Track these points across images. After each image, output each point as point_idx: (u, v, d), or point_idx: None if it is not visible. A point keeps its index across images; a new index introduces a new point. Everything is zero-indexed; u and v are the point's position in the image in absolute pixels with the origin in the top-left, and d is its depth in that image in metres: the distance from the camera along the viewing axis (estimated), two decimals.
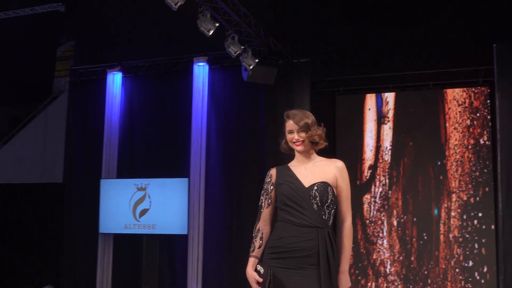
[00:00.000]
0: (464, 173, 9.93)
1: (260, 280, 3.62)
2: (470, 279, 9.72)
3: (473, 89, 10.02)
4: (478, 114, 9.95)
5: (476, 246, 9.76)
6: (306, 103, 9.64)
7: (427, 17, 9.77)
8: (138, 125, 10.34)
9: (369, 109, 10.49)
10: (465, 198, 9.88)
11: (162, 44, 10.19)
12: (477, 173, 9.87)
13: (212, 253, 9.69)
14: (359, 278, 10.19)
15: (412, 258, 10.02)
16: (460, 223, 9.86)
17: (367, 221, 10.29)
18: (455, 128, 10.04)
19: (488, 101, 9.87)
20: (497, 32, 9.15)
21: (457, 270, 9.79)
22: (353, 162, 10.39)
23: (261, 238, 3.75)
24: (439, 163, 10.06)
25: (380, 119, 10.42)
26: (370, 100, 10.50)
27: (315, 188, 3.66)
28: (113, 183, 9.90)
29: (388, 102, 10.42)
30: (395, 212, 10.20)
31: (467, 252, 9.78)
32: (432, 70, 10.05)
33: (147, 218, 9.53)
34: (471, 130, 9.97)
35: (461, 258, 9.80)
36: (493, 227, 9.65)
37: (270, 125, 9.75)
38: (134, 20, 10.38)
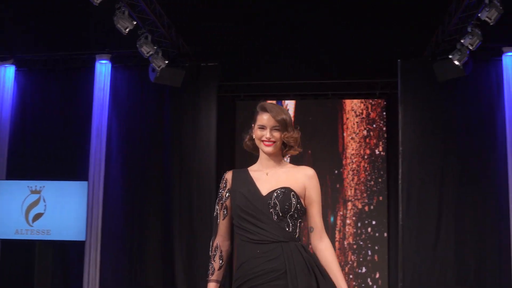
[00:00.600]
0: (359, 182, 10.24)
1: None
2: (363, 285, 10.04)
3: (371, 101, 10.36)
4: (374, 125, 10.30)
5: (370, 253, 10.10)
6: (212, 108, 9.51)
7: (329, 28, 9.94)
8: (31, 123, 9.67)
9: None
10: (360, 206, 10.20)
11: (61, 38, 9.58)
12: (372, 182, 10.22)
13: (111, 260, 9.28)
14: None
15: None
16: (354, 230, 10.16)
17: None
18: (352, 138, 10.32)
19: (384, 113, 10.26)
20: (399, 48, 9.50)
21: (351, 276, 10.07)
22: None
23: (221, 257, 3.15)
24: (336, 171, 10.30)
25: None
26: None
27: (274, 195, 3.07)
28: (2, 184, 9.18)
29: (288, 110, 10.52)
30: None
31: (361, 259, 10.10)
32: (332, 80, 10.26)
33: (40, 223, 8.94)
34: (367, 140, 10.29)
35: (355, 264, 10.10)
36: (385, 234, 10.04)
37: (175, 128, 9.52)
38: (28, 11, 9.66)
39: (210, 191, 9.34)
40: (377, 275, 10.04)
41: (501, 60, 9.03)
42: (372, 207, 10.17)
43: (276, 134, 3.14)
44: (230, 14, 9.76)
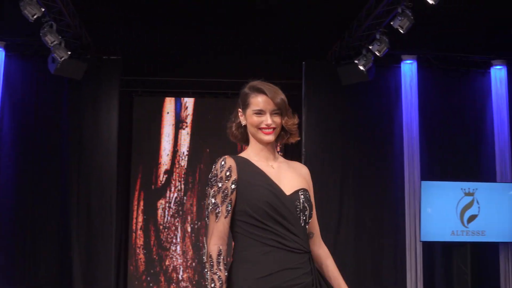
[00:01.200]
0: None
1: None
2: None
3: None
4: None
5: None
6: (114, 103, 9.16)
7: (234, 27, 9.90)
8: None
9: (168, 113, 10.30)
10: None
11: None
12: None
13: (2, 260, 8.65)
14: (151, 285, 9.94)
15: None
16: None
17: (161, 227, 10.08)
18: None
19: None
20: (303, 50, 9.64)
21: None
22: (149, 166, 10.12)
23: (225, 266, 2.56)
24: None
25: (179, 123, 10.30)
26: (169, 104, 10.32)
27: (302, 197, 2.64)
28: None
29: (187, 107, 10.35)
30: (189, 218, 10.16)
31: None
32: (232, 79, 10.21)
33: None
34: None
35: None
36: None
37: (74, 123, 9.05)
38: None
39: (111, 190, 8.98)
40: None
41: (399, 67, 9.44)
42: None
43: (277, 120, 2.67)
44: (133, 8, 9.48)
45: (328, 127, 9.38)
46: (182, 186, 10.19)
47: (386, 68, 9.39)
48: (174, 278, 10.01)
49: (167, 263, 10.03)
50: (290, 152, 10.02)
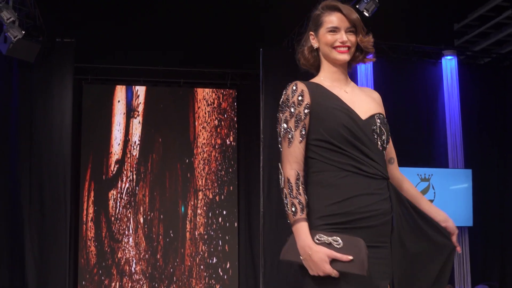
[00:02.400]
0: (210, 172, 10.14)
1: (345, 257, 2.28)
2: (214, 275, 9.94)
3: (222, 91, 10.32)
4: (225, 115, 10.28)
5: (220, 243, 10.03)
6: (68, 88, 8.79)
7: (185, 14, 9.73)
8: None
9: (119, 101, 10.02)
10: (210, 196, 10.10)
11: None
12: (223, 172, 10.18)
13: None
14: (102, 278, 9.61)
15: (158, 256, 9.84)
16: (205, 220, 10.03)
17: (112, 218, 9.78)
18: (203, 127, 10.20)
19: (235, 103, 10.28)
20: (260, 37, 9.59)
21: (201, 267, 9.92)
22: (99, 156, 9.83)
23: (304, 190, 2.43)
24: (187, 160, 10.09)
25: (130, 112, 10.04)
26: (120, 92, 10.05)
27: (378, 121, 2.53)
28: None
29: (138, 96, 10.10)
30: (141, 209, 9.90)
31: (212, 249, 9.99)
32: (184, 68, 10.06)
33: None
34: (218, 130, 10.24)
35: (206, 255, 9.97)
36: (236, 224, 10.05)
37: (24, 108, 8.63)
38: None
39: (65, 179, 8.59)
40: (228, 265, 10.00)
41: None
42: (222, 197, 10.13)
43: (352, 38, 2.54)
44: None
45: None
46: (134, 177, 9.92)
47: None
48: (127, 271, 9.71)
49: (119, 255, 9.73)
50: (248, 142, 9.99)
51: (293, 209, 2.41)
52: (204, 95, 10.26)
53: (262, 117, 9.16)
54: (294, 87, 2.51)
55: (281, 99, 2.54)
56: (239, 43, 9.61)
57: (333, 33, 2.53)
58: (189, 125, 10.16)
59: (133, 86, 10.05)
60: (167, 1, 9.68)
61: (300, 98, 2.49)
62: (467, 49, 9.90)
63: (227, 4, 9.50)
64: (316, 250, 2.33)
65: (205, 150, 10.15)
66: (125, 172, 9.90)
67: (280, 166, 2.49)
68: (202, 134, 10.18)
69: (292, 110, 2.48)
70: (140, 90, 10.10)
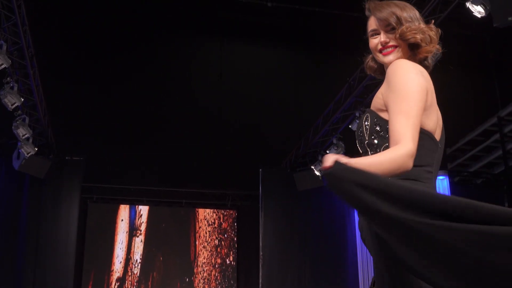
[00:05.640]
0: None
1: None
2: None
3: (223, 211, 10.68)
4: (226, 235, 10.56)
5: None
6: (74, 205, 9.16)
7: (186, 139, 10.31)
8: None
9: (122, 220, 10.34)
10: None
11: None
12: None
13: None
14: None
15: None
16: None
17: None
18: (204, 247, 10.44)
19: (236, 224, 10.59)
20: (258, 159, 10.08)
21: None
22: (101, 273, 9.98)
23: None
24: (187, 279, 10.24)
25: (132, 231, 10.33)
26: (124, 211, 10.39)
27: None
28: None
29: (141, 215, 10.43)
30: None
31: None
32: (186, 188, 10.47)
33: None
34: (218, 249, 10.47)
35: None
36: None
37: (33, 222, 8.95)
38: None
39: None
40: None
41: None
42: None
43: (391, 35, 2.32)
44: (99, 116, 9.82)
45: (283, 231, 9.62)
46: None
47: None
48: None
49: None
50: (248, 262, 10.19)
51: None
52: (205, 215, 10.60)
53: (262, 234, 9.45)
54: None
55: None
56: (239, 164, 10.09)
57: (374, 37, 2.37)
58: (190, 244, 10.41)
59: (137, 206, 10.42)
60: (171, 128, 10.32)
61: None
62: (460, 173, 10.30)
63: (227, 128, 10.10)
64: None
65: (205, 269, 10.33)
66: None
67: None
68: (203, 253, 10.40)
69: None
70: (143, 210, 10.45)
